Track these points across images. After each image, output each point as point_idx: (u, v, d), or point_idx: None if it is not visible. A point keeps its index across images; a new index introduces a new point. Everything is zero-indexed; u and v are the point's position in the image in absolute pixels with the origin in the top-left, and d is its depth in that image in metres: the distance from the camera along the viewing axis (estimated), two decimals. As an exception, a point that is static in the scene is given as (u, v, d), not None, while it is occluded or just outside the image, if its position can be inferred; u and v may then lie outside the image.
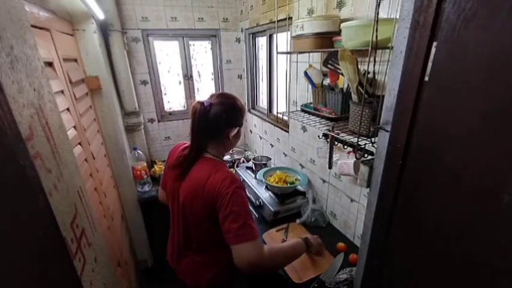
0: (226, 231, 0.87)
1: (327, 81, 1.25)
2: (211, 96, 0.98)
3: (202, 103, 0.93)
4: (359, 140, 0.90)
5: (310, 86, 1.36)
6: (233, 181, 0.89)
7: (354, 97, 0.99)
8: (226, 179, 0.88)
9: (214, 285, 1.05)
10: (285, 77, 1.59)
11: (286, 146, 1.93)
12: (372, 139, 0.85)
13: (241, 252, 0.86)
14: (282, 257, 1.00)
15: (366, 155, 1.04)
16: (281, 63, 1.81)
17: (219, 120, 0.93)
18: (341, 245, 1.33)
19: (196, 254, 1.05)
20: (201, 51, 2.40)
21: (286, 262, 1.05)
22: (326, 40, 1.15)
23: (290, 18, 1.53)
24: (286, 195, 1.62)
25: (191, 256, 1.06)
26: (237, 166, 2.23)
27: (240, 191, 0.88)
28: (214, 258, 1.03)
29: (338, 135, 1.07)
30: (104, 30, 1.76)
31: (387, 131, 0.63)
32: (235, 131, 0.97)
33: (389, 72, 0.62)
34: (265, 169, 1.81)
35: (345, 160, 1.20)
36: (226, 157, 2.38)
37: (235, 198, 0.86)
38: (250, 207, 1.59)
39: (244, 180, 1.91)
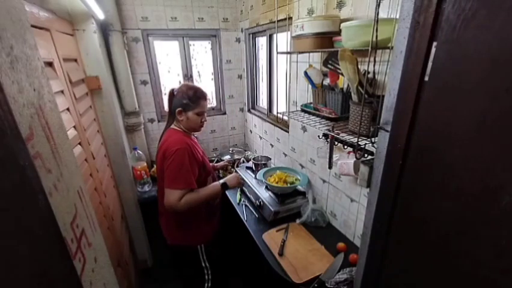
0: (165, 178, 1.20)
1: (327, 81, 1.25)
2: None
3: (173, 89, 1.31)
4: (359, 140, 0.90)
5: (310, 86, 1.36)
6: (178, 143, 1.21)
7: (354, 97, 0.99)
8: (175, 142, 1.21)
9: (182, 246, 1.41)
10: (285, 77, 1.59)
11: (286, 146, 1.93)
12: (372, 139, 0.85)
13: (166, 195, 1.19)
14: (198, 203, 1.26)
15: (366, 155, 1.04)
16: (281, 63, 1.81)
17: (173, 101, 1.30)
18: (340, 245, 1.33)
19: (164, 214, 1.36)
20: (201, 51, 2.40)
21: (201, 204, 1.32)
22: (326, 40, 1.15)
23: (290, 18, 1.53)
24: (286, 195, 1.62)
25: (164, 216, 1.38)
26: (237, 166, 2.23)
27: (180, 150, 1.19)
28: (178, 219, 1.33)
29: (338, 135, 1.07)
30: (104, 30, 1.76)
31: (387, 131, 0.63)
32: (177, 110, 1.29)
33: (389, 72, 0.62)
34: (265, 169, 1.81)
35: (345, 160, 1.20)
36: (226, 157, 2.38)
37: (175, 155, 1.18)
38: (250, 207, 1.71)
39: (244, 180, 1.91)
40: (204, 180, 1.37)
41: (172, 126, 1.35)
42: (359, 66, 1.02)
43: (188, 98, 1.27)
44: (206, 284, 1.48)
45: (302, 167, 1.78)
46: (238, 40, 2.40)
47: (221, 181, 1.40)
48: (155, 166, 2.20)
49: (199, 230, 1.39)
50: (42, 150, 0.48)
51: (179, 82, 2.39)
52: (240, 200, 1.81)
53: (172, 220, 1.35)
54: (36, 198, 0.43)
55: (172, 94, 1.31)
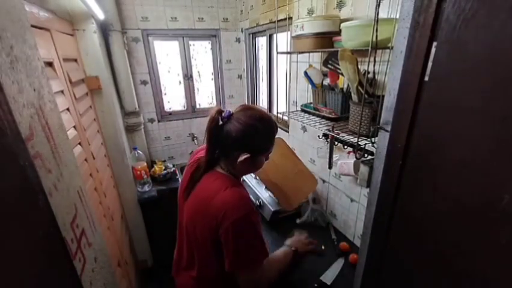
0: (227, 257, 0.79)
1: (327, 81, 1.25)
2: (239, 107, 0.84)
3: (220, 112, 0.80)
4: (359, 140, 0.90)
5: (310, 86, 1.36)
6: (243, 205, 0.77)
7: (354, 97, 0.99)
8: (235, 201, 0.77)
9: None
10: (285, 77, 1.59)
11: (286, 146, 1.93)
12: (372, 139, 0.85)
13: (242, 278, 0.82)
14: (277, 272, 0.92)
15: (366, 155, 1.04)
16: (281, 63, 1.81)
17: (229, 139, 0.79)
18: (343, 244, 1.32)
19: (195, 279, 0.91)
20: (201, 51, 2.40)
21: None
22: (326, 40, 1.15)
23: (290, 18, 1.53)
24: (286, 195, 1.62)
25: (189, 278, 0.93)
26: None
27: (248, 218, 0.77)
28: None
29: (338, 135, 1.07)
30: (104, 30, 1.76)
31: (387, 131, 0.63)
32: (243, 157, 0.79)
33: (389, 72, 0.62)
34: (265, 169, 1.81)
35: (345, 160, 1.20)
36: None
37: (241, 226, 0.76)
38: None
39: (244, 180, 1.91)
40: None
41: (219, 169, 0.87)
42: (359, 66, 1.02)
43: (262, 136, 0.82)
44: None
45: (302, 167, 1.77)
46: (238, 40, 2.40)
47: (288, 245, 1.00)
48: (155, 166, 2.21)
49: None
50: (42, 150, 0.48)
51: (180, 82, 2.39)
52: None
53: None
54: (36, 198, 0.43)
55: (218, 121, 0.80)
